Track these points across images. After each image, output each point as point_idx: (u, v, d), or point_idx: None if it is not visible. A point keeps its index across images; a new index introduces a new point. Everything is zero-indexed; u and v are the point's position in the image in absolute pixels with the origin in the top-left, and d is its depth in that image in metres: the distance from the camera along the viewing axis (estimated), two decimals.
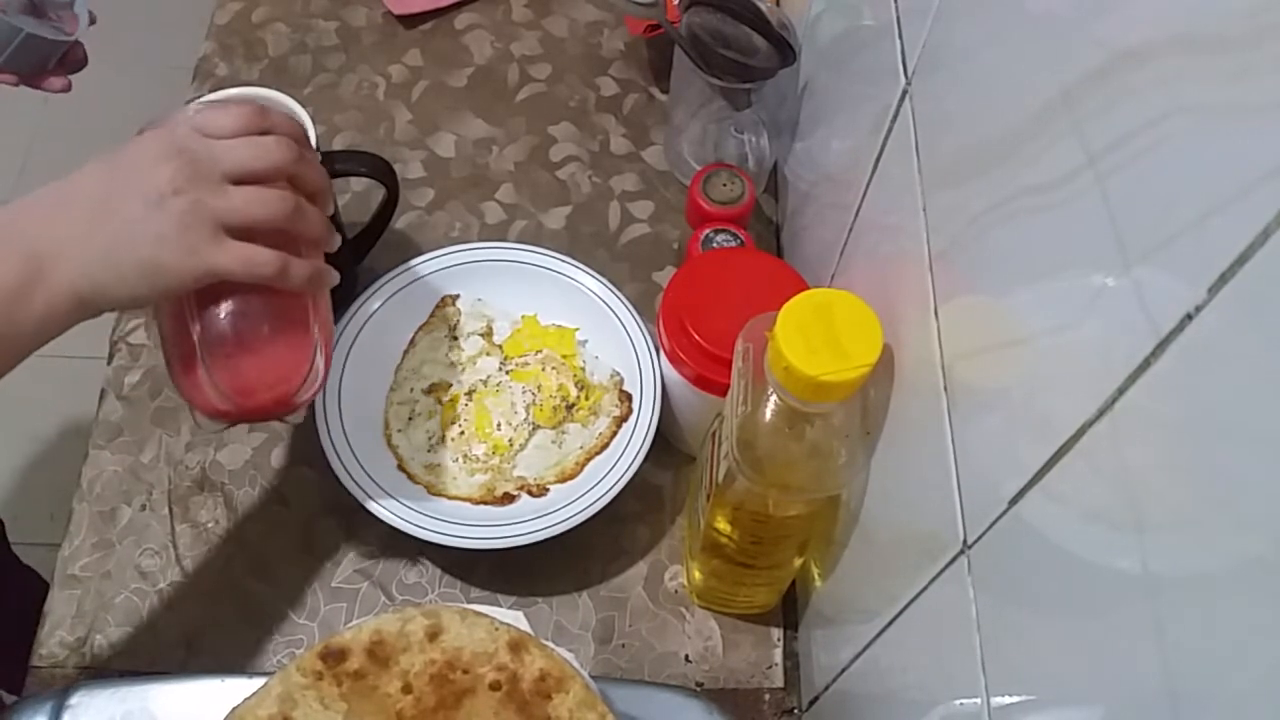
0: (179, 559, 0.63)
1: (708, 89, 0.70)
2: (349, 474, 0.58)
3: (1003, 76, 0.36)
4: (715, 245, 0.68)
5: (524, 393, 0.64)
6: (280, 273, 0.47)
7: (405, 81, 0.83)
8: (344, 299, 0.65)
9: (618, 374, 0.64)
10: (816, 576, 0.58)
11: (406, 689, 0.45)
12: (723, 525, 0.53)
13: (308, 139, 0.51)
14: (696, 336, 0.57)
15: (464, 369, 0.66)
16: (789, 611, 0.63)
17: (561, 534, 0.58)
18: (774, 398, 0.45)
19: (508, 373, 0.65)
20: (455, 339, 0.66)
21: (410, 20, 0.86)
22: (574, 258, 0.67)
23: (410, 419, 0.64)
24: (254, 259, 0.46)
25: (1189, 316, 0.24)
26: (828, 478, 0.48)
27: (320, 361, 0.51)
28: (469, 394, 0.64)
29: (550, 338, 0.67)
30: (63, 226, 0.44)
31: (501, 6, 0.87)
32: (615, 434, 0.62)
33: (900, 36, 0.47)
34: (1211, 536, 0.24)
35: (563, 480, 0.62)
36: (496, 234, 0.76)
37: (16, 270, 0.43)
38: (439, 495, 0.61)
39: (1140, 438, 0.26)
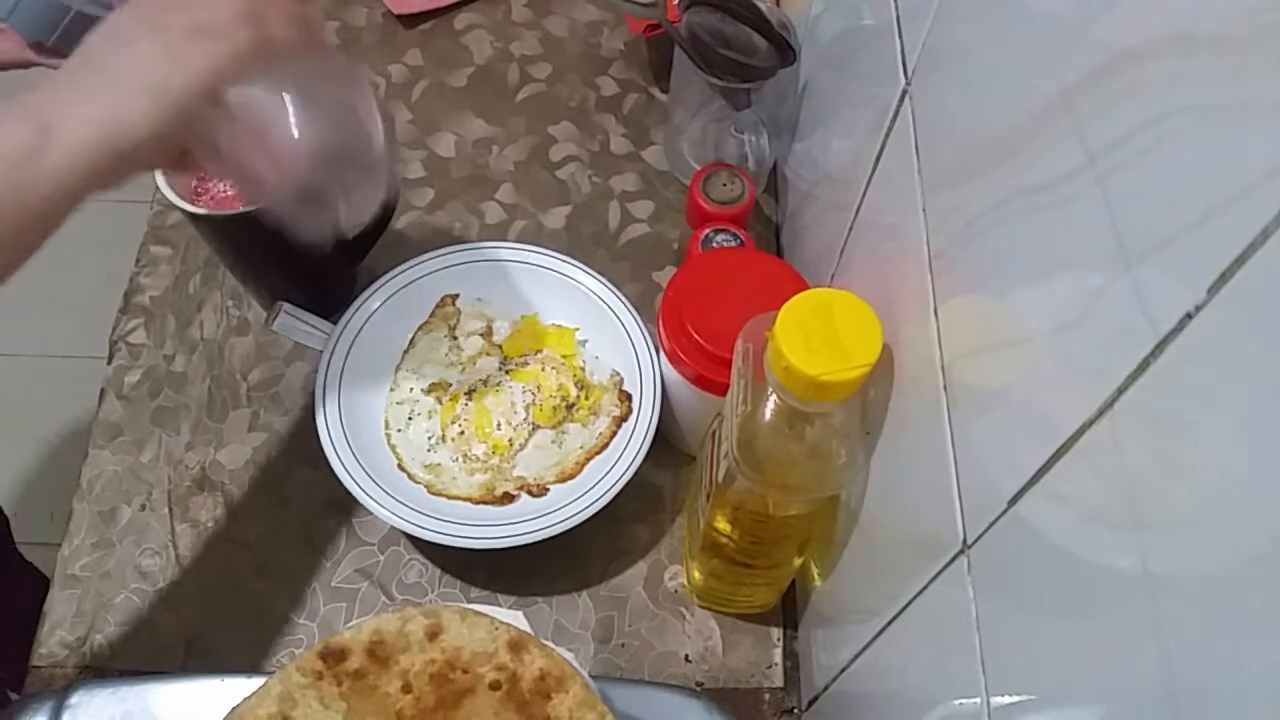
0: (179, 559, 0.63)
1: (708, 89, 0.70)
2: (349, 474, 0.58)
3: (1003, 76, 0.36)
4: (715, 245, 0.68)
5: (524, 393, 0.64)
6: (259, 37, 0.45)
7: (405, 81, 0.83)
8: (344, 299, 0.66)
9: (618, 374, 0.64)
10: (816, 576, 0.58)
11: (406, 688, 0.45)
12: (723, 525, 0.53)
13: None
14: (696, 336, 0.57)
15: (464, 369, 0.66)
16: (789, 611, 0.63)
17: (561, 534, 0.58)
18: (774, 398, 0.45)
19: (507, 372, 0.65)
20: (455, 339, 0.66)
21: (410, 20, 0.86)
22: (574, 258, 0.67)
23: (410, 419, 0.64)
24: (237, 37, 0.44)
25: (1189, 316, 0.24)
26: (828, 478, 0.48)
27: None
28: (469, 394, 0.65)
29: (550, 338, 0.67)
30: (69, 89, 0.44)
31: (501, 6, 0.87)
32: (615, 434, 0.62)
33: (900, 36, 0.47)
34: (1211, 536, 0.24)
35: (562, 480, 0.62)
36: (496, 234, 0.76)
37: (22, 134, 0.41)
38: (439, 495, 0.61)
39: (1140, 438, 0.26)
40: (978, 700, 0.35)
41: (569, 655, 0.47)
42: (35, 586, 0.67)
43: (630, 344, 0.64)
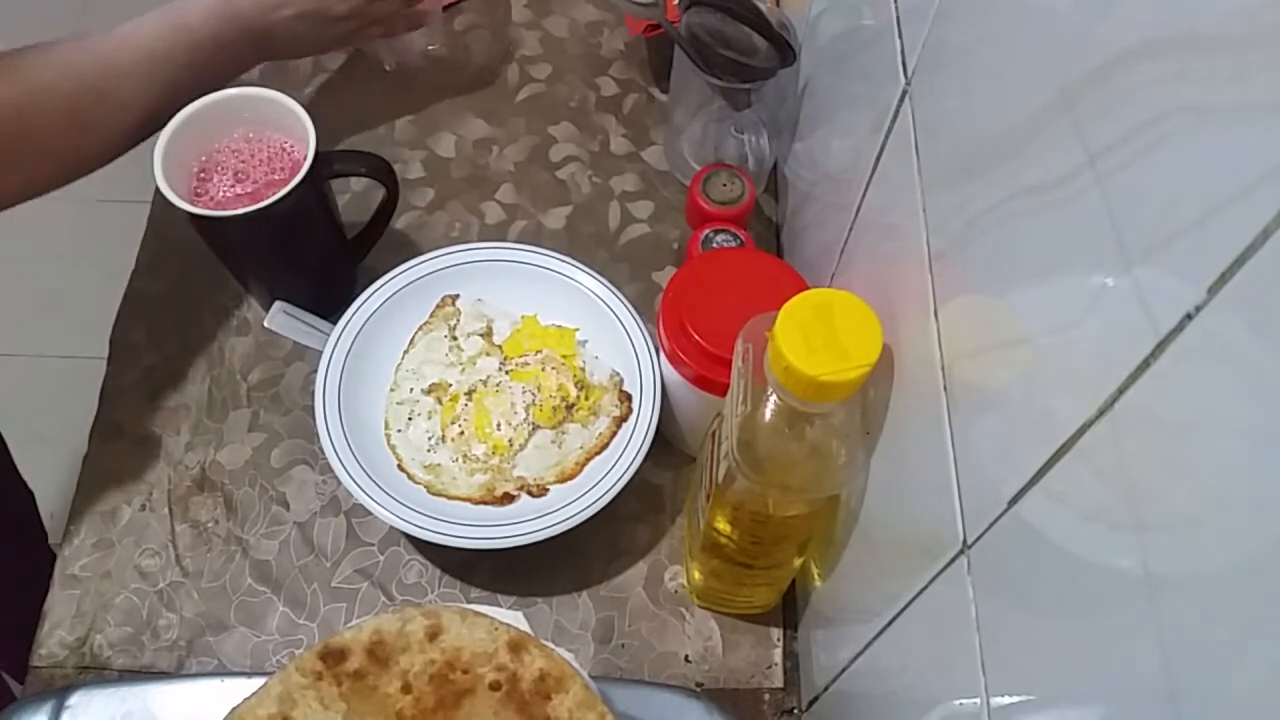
0: (179, 559, 0.63)
1: (708, 89, 0.70)
2: (349, 474, 0.58)
3: (1003, 76, 0.36)
4: (715, 245, 0.68)
5: (524, 393, 0.64)
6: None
7: (405, 81, 0.83)
8: (344, 299, 0.66)
9: (617, 374, 0.64)
10: (816, 576, 0.58)
11: (406, 689, 0.45)
12: (723, 525, 0.53)
13: None
14: (696, 336, 0.57)
15: (464, 369, 0.66)
16: (789, 611, 0.63)
17: (561, 534, 0.58)
18: (774, 398, 0.45)
19: (507, 373, 0.65)
20: (455, 339, 0.66)
21: None
22: (574, 258, 0.67)
23: (410, 419, 0.64)
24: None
25: (1189, 316, 0.24)
26: (828, 478, 0.48)
27: None
28: (469, 394, 0.64)
29: (550, 338, 0.67)
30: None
31: (501, 6, 0.87)
32: (615, 434, 0.62)
33: (900, 36, 0.47)
34: (1211, 536, 0.24)
35: (562, 480, 0.62)
36: (496, 234, 0.76)
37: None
38: (439, 495, 0.61)
39: (1140, 438, 0.26)
40: (978, 700, 0.35)
41: (569, 655, 0.47)
42: (42, 567, 0.68)
43: (630, 344, 0.64)
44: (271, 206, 0.59)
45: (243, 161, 0.64)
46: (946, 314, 0.40)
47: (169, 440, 0.67)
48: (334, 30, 0.69)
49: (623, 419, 0.63)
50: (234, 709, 0.45)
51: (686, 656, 0.61)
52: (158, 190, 0.60)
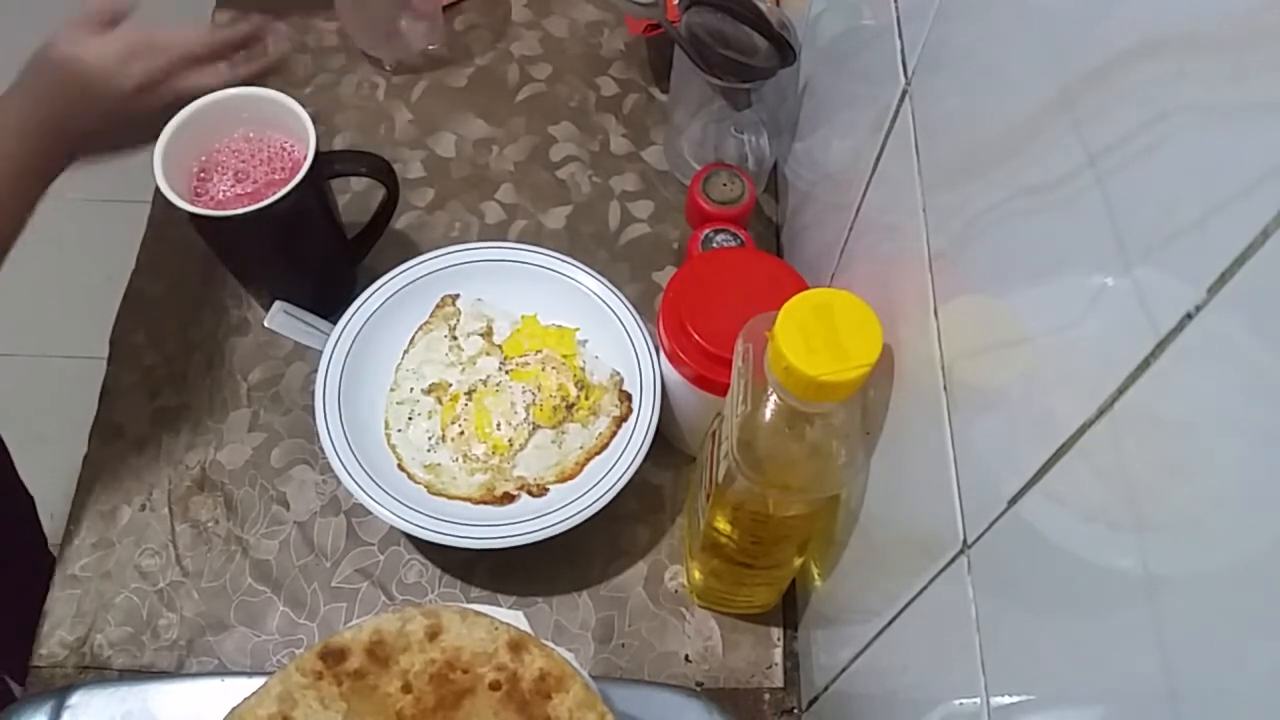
0: (179, 559, 0.63)
1: (708, 89, 0.70)
2: (349, 474, 0.58)
3: (1003, 76, 0.36)
4: (715, 245, 0.68)
5: (524, 393, 0.64)
6: None
7: (405, 81, 0.83)
8: (344, 299, 0.66)
9: (617, 374, 0.64)
10: (816, 576, 0.58)
11: (406, 689, 0.45)
12: (723, 525, 0.54)
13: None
14: (696, 336, 0.57)
15: (464, 369, 0.66)
16: (789, 611, 0.63)
17: (561, 534, 0.58)
18: (774, 398, 0.45)
19: (507, 373, 0.65)
20: (455, 339, 0.66)
21: None
22: (574, 258, 0.67)
23: (410, 419, 0.64)
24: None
25: (1189, 316, 0.24)
26: (828, 478, 0.48)
27: None
28: (469, 394, 0.64)
29: (550, 338, 0.67)
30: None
31: (501, 7, 0.87)
32: (615, 434, 0.62)
33: (900, 36, 0.47)
34: (1211, 536, 0.24)
35: (562, 480, 0.62)
36: (496, 234, 0.76)
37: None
38: (439, 495, 0.61)
39: (1140, 438, 0.26)
40: (978, 700, 0.35)
41: (569, 655, 0.47)
42: (43, 565, 0.68)
43: (630, 344, 0.64)
44: (271, 206, 0.59)
45: (243, 161, 0.64)
46: (946, 314, 0.40)
47: (169, 440, 0.67)
48: (141, 123, 0.62)
49: (623, 419, 0.63)
50: (234, 709, 0.45)
51: (686, 656, 0.61)
52: (158, 190, 0.60)
